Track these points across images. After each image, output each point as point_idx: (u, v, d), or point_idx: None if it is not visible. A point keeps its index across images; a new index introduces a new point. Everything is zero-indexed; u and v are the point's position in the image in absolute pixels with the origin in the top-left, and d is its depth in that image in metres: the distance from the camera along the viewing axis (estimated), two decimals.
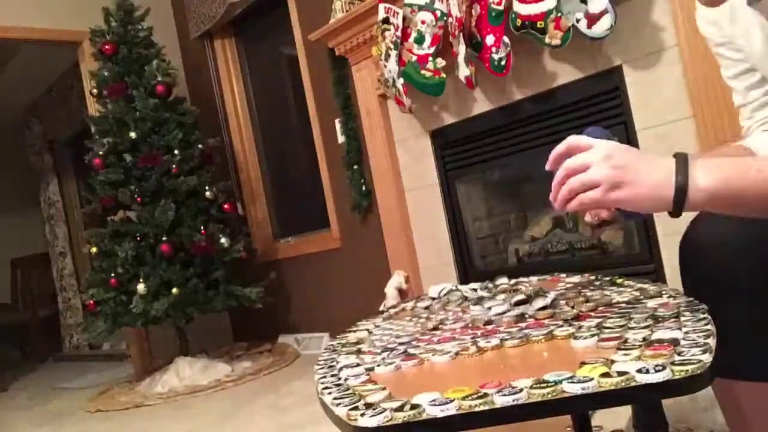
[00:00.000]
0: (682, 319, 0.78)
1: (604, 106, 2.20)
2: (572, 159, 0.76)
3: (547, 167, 0.83)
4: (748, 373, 0.84)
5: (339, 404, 0.70)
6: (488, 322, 0.98)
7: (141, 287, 3.14)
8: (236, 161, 4.22)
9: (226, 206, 3.55)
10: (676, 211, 0.72)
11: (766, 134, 0.99)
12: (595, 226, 0.89)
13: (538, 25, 2.11)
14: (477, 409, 0.62)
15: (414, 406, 0.64)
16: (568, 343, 0.79)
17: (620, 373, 0.62)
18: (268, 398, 2.73)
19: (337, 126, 3.34)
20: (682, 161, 0.71)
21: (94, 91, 3.51)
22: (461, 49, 2.33)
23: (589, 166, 0.74)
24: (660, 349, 0.67)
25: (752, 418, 0.89)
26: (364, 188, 3.22)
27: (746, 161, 0.76)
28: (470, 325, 1.00)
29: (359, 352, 0.98)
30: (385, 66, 2.63)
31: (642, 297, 0.95)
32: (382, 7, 2.58)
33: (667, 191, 0.71)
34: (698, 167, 0.71)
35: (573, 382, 0.62)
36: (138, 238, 3.29)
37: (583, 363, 0.67)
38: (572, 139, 0.79)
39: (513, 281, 1.35)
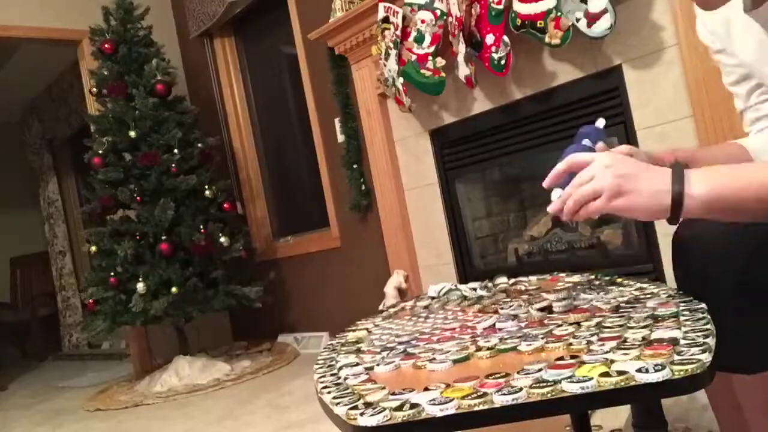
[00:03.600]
0: (682, 318, 0.78)
1: (603, 106, 2.20)
2: (578, 176, 0.80)
3: (545, 184, 0.86)
4: (735, 364, 0.84)
5: (338, 403, 0.70)
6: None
7: (140, 286, 3.14)
8: (236, 160, 4.22)
9: (225, 205, 3.55)
10: (673, 219, 0.75)
11: (760, 135, 1.00)
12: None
13: (538, 25, 2.11)
14: (476, 409, 0.62)
15: (413, 406, 0.64)
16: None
17: (619, 373, 0.62)
18: (268, 397, 2.73)
19: (337, 125, 3.34)
20: (678, 171, 0.75)
21: (94, 90, 3.51)
22: (461, 49, 2.33)
23: (592, 177, 0.78)
24: (659, 348, 0.67)
25: (748, 409, 0.89)
26: (363, 187, 3.21)
27: (741, 169, 0.78)
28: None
29: (359, 351, 0.97)
30: (385, 65, 2.63)
31: (641, 296, 0.95)
32: (381, 6, 2.58)
33: (665, 200, 0.74)
34: (693, 177, 0.74)
35: (572, 382, 0.62)
36: (137, 237, 3.29)
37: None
38: (572, 158, 0.83)
39: (512, 280, 1.35)
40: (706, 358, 0.62)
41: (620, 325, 0.80)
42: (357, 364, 0.88)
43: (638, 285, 1.04)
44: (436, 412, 0.62)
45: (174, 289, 3.17)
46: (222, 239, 3.39)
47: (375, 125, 2.97)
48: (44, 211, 6.22)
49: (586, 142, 0.93)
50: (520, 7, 2.15)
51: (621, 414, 1.53)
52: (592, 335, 0.78)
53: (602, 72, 2.17)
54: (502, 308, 1.04)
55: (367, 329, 1.15)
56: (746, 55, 0.95)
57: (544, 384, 0.63)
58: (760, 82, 0.96)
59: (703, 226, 0.87)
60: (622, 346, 0.71)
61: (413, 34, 2.51)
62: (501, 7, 2.20)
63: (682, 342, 0.68)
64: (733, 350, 0.79)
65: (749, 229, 0.82)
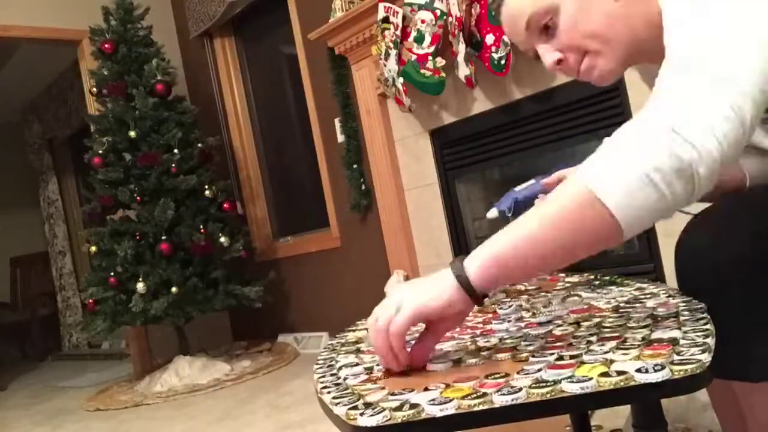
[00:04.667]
0: (682, 318, 0.78)
1: (603, 106, 2.20)
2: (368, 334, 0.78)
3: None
4: (742, 373, 0.84)
5: (338, 403, 0.70)
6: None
7: (140, 286, 3.14)
8: (236, 160, 4.22)
9: (225, 205, 3.55)
10: (474, 299, 0.72)
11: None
12: None
13: None
14: (476, 409, 0.62)
15: (413, 406, 0.64)
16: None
17: (619, 373, 0.62)
18: (268, 397, 2.73)
19: (337, 125, 3.34)
20: (455, 259, 0.74)
21: (94, 89, 3.51)
22: (461, 49, 2.33)
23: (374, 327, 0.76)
24: (659, 348, 0.67)
25: (748, 418, 0.89)
26: (363, 187, 3.21)
27: (497, 240, 0.74)
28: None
29: (358, 351, 0.97)
30: (385, 65, 2.63)
31: (641, 296, 0.95)
32: (381, 6, 2.58)
33: (450, 289, 0.73)
34: (471, 254, 0.73)
35: (572, 382, 0.62)
36: (137, 237, 3.29)
37: (581, 363, 0.68)
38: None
39: None
40: (706, 358, 0.62)
41: (620, 325, 0.80)
42: (357, 364, 0.88)
43: (638, 285, 1.04)
44: (436, 412, 0.62)
45: (174, 289, 3.17)
46: (222, 239, 3.39)
47: (375, 125, 2.97)
48: (44, 211, 6.22)
49: (519, 195, 1.03)
50: None
51: (621, 414, 1.53)
52: (591, 335, 0.78)
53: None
54: (500, 308, 1.04)
55: (367, 329, 1.15)
56: None
57: (544, 384, 0.63)
58: None
59: (706, 233, 0.86)
60: (622, 346, 0.71)
61: (413, 34, 2.51)
62: None
63: (681, 342, 0.68)
64: (736, 358, 0.78)
65: (754, 237, 0.81)
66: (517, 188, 1.04)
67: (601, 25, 0.90)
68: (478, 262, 0.72)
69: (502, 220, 0.88)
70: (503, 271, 0.72)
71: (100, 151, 3.37)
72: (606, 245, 0.71)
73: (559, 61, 0.93)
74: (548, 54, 0.92)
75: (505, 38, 2.22)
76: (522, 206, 0.99)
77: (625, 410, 1.48)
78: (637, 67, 1.01)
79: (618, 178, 0.66)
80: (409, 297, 0.74)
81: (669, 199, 0.67)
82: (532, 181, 1.02)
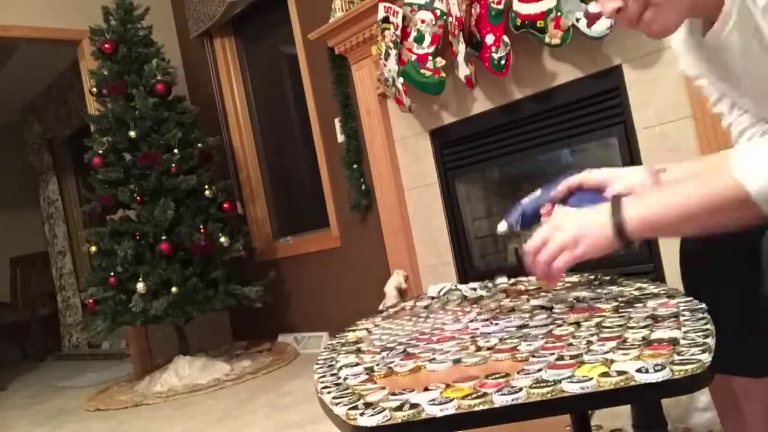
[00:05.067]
0: (682, 318, 0.78)
1: (603, 106, 2.20)
2: (530, 241, 0.90)
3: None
4: (747, 369, 0.84)
5: (338, 403, 0.70)
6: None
7: (140, 286, 3.14)
8: (236, 160, 4.22)
9: (225, 205, 3.55)
10: (622, 246, 0.83)
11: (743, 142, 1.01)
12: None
13: (538, 25, 2.11)
14: (476, 409, 0.62)
15: (413, 406, 0.64)
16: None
17: (619, 373, 0.62)
18: (268, 397, 2.73)
19: (337, 125, 3.34)
20: (615, 203, 0.84)
21: (94, 89, 3.51)
22: (461, 49, 2.33)
23: (546, 240, 0.87)
24: (659, 348, 0.67)
25: (749, 413, 0.89)
26: (363, 187, 3.21)
27: (665, 193, 0.87)
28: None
29: (359, 351, 0.97)
30: (385, 65, 2.63)
31: (641, 296, 0.95)
32: (381, 6, 2.58)
33: (609, 231, 0.83)
34: (629, 205, 0.83)
35: (572, 382, 0.62)
36: (137, 237, 3.29)
37: (581, 363, 0.67)
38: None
39: (512, 280, 1.35)
40: (706, 358, 0.62)
41: (620, 325, 0.80)
42: (357, 364, 0.88)
43: (638, 285, 1.04)
44: (436, 412, 0.62)
45: (174, 289, 3.17)
46: (222, 239, 3.38)
47: (375, 125, 2.97)
48: (44, 211, 6.22)
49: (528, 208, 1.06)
50: (520, 7, 2.15)
51: (621, 414, 1.53)
52: (592, 335, 0.78)
53: (602, 72, 2.17)
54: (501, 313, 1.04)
55: (367, 329, 1.15)
56: (714, 77, 0.98)
57: (544, 384, 0.63)
58: (735, 101, 0.98)
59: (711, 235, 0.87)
60: (622, 346, 0.71)
61: (413, 34, 2.51)
62: (501, 7, 2.20)
63: (682, 342, 0.68)
64: (735, 352, 0.79)
65: (760, 233, 0.82)
66: (525, 200, 1.07)
67: None
68: (636, 223, 0.82)
69: (512, 233, 0.93)
70: (652, 234, 0.88)
71: (100, 151, 3.37)
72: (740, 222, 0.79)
73: (618, 10, 0.89)
74: (609, 1, 0.89)
75: (505, 38, 2.22)
76: (529, 219, 1.05)
77: (625, 410, 1.48)
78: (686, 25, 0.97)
79: None
80: (585, 240, 0.85)
81: None
82: (539, 193, 1.06)
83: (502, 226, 0.94)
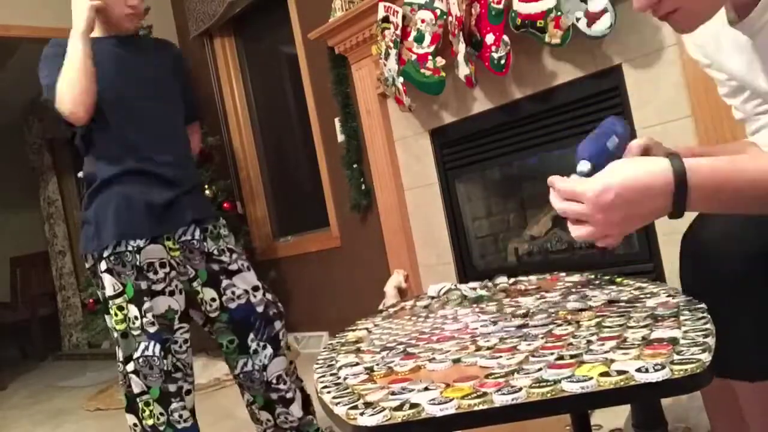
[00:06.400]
0: (682, 318, 0.78)
1: (603, 105, 2.20)
2: (569, 218, 0.78)
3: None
4: (748, 372, 0.84)
5: (338, 403, 0.70)
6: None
7: None
8: (236, 160, 4.22)
9: (225, 205, 3.55)
10: (676, 213, 0.73)
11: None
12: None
13: (538, 24, 2.11)
14: (476, 408, 0.62)
15: (413, 405, 0.64)
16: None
17: (619, 372, 0.62)
18: None
19: (337, 125, 3.34)
20: (677, 165, 0.73)
21: None
22: (461, 48, 2.33)
23: (585, 220, 0.75)
24: (659, 348, 0.67)
25: (749, 415, 0.89)
26: (363, 187, 3.21)
27: (738, 158, 0.79)
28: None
29: (358, 351, 0.97)
30: (385, 65, 2.63)
31: (641, 296, 0.95)
32: (381, 5, 2.58)
33: (667, 200, 0.73)
34: (693, 166, 0.73)
35: (572, 382, 0.62)
36: None
37: (581, 363, 0.67)
38: (566, 187, 0.79)
39: (512, 280, 1.35)
40: (706, 357, 0.62)
41: (620, 325, 0.80)
42: (357, 364, 0.88)
43: (638, 285, 1.04)
44: (436, 412, 0.62)
45: None
46: None
47: (375, 125, 2.97)
48: (44, 211, 6.22)
49: (610, 143, 0.93)
50: (520, 7, 2.15)
51: (621, 414, 1.53)
52: (592, 335, 0.78)
53: (602, 71, 2.16)
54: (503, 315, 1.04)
55: (367, 329, 1.15)
56: (737, 69, 0.95)
57: (544, 384, 0.63)
58: (754, 94, 0.96)
59: (715, 229, 0.86)
60: (622, 346, 0.71)
61: (413, 33, 2.51)
62: (501, 6, 2.20)
63: (681, 342, 0.68)
64: (736, 356, 0.78)
65: (763, 233, 0.81)
66: (591, 136, 0.96)
67: None
68: (700, 201, 0.73)
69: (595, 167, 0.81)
70: (709, 208, 0.78)
71: None
72: None
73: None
74: None
75: (505, 38, 2.22)
76: (605, 156, 0.92)
77: (625, 410, 1.48)
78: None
79: None
80: (624, 233, 0.76)
81: None
82: (592, 144, 0.95)
83: (583, 165, 0.84)
